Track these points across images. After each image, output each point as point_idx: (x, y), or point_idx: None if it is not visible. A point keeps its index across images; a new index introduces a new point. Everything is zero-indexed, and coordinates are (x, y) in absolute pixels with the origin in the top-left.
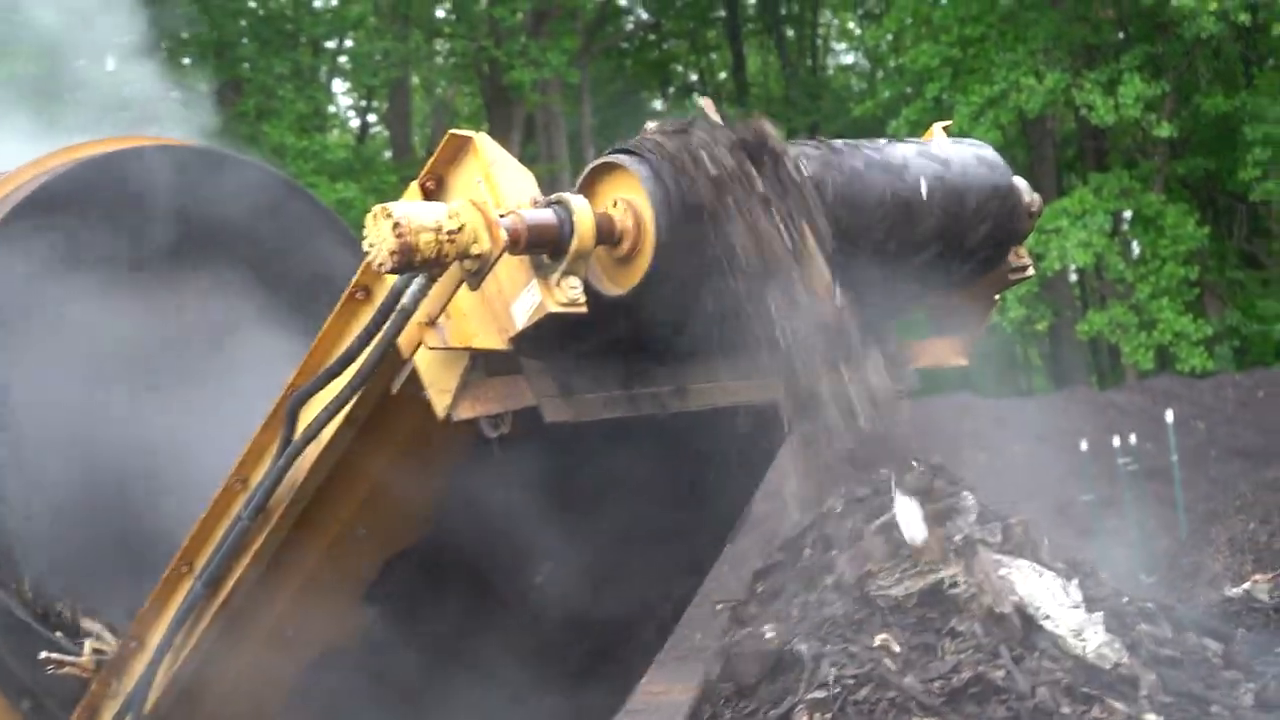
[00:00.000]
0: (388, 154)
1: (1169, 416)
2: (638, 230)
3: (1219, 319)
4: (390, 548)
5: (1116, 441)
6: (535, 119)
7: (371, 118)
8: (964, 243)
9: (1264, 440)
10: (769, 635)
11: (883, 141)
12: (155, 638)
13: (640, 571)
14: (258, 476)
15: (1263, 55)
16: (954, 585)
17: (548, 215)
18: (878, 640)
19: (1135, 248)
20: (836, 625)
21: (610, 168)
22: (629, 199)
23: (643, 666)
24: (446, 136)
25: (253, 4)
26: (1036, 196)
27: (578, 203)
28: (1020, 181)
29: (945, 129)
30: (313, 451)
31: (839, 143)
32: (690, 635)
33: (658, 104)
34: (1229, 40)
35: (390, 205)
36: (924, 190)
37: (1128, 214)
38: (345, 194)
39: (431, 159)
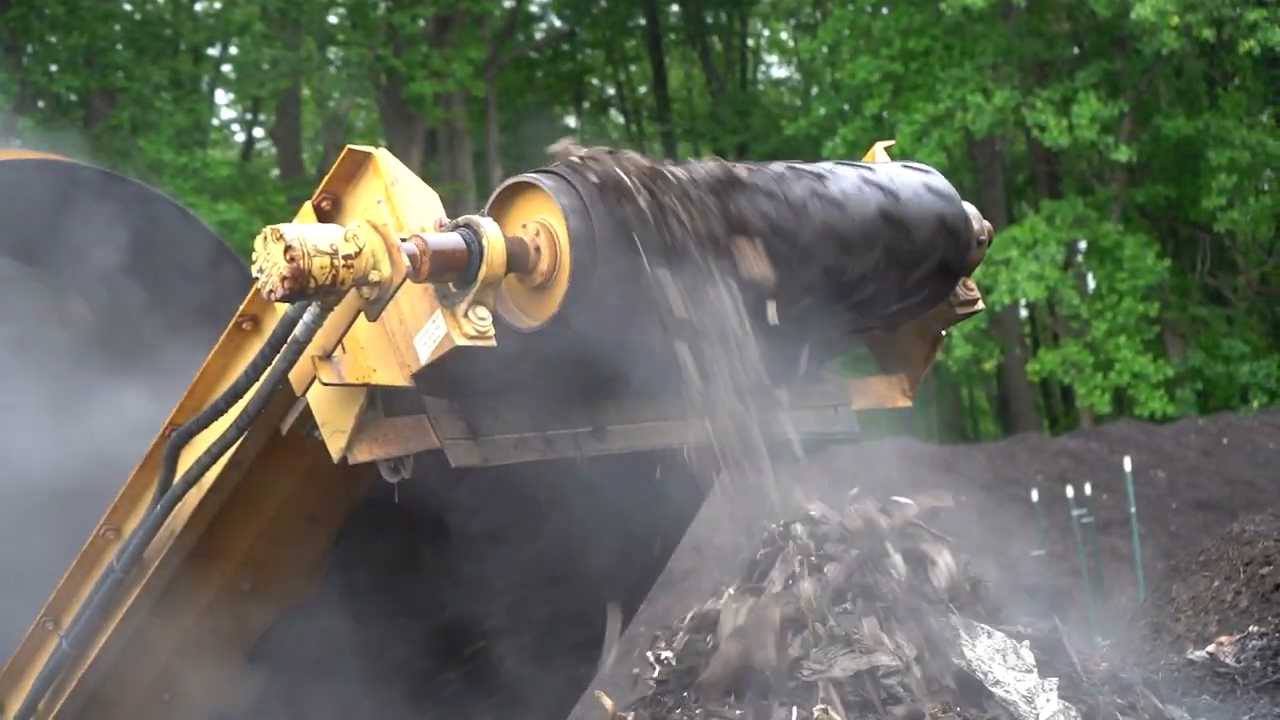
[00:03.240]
0: (275, 172)
1: (1127, 465)
2: (553, 256)
3: (1180, 359)
4: (279, 603)
5: (1070, 491)
6: (437, 135)
7: (258, 132)
8: (908, 275)
9: (1228, 491)
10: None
11: (824, 165)
12: (17, 701)
13: (550, 627)
14: (132, 525)
15: (1228, 74)
16: (891, 673)
17: (454, 239)
18: (816, 711)
19: (1091, 281)
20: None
21: (523, 188)
22: (543, 222)
23: None
24: (344, 152)
25: (128, 6)
26: (986, 224)
27: (487, 226)
28: (969, 208)
29: (887, 149)
30: (194, 497)
31: (776, 167)
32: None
33: (571, 120)
34: (1192, 58)
35: (282, 227)
36: (867, 220)
37: (1083, 244)
38: (229, 215)
39: (327, 177)
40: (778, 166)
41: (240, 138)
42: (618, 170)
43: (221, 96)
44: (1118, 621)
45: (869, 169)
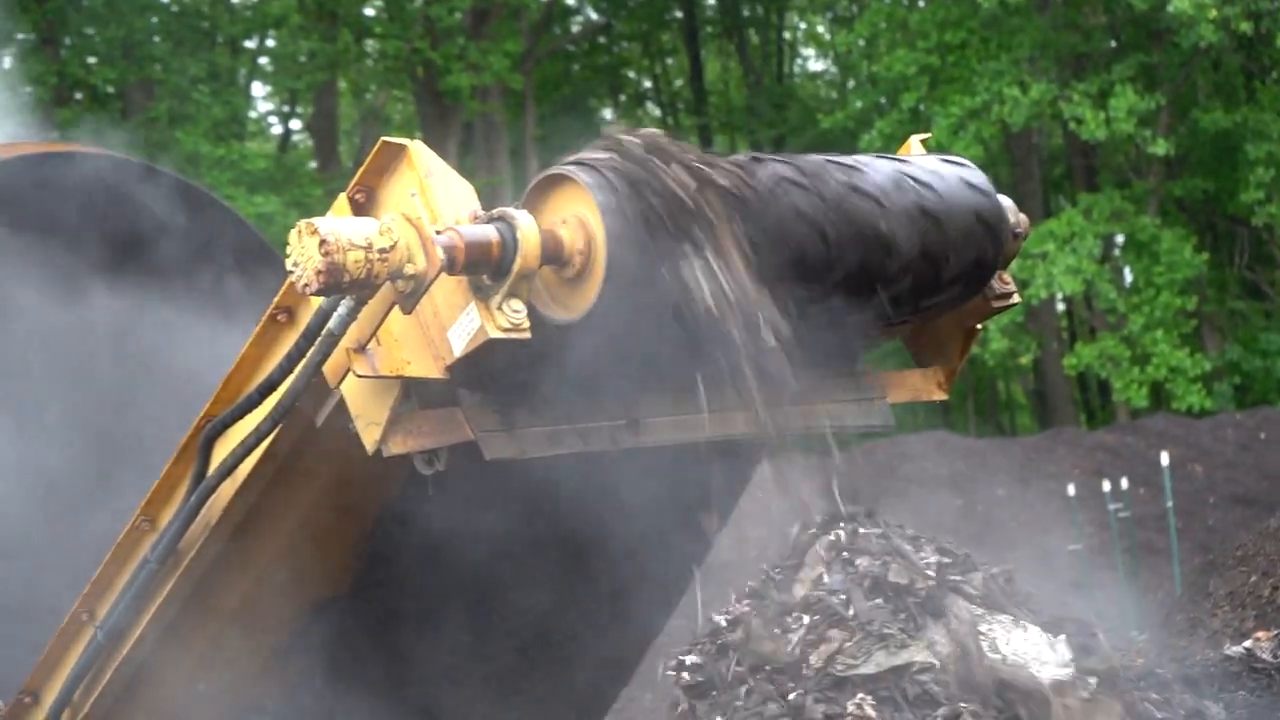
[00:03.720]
0: (312, 164)
1: (1164, 459)
2: (588, 249)
3: (1218, 353)
4: (313, 595)
5: (1107, 486)
6: (474, 128)
7: (295, 124)
8: (943, 269)
9: (1266, 486)
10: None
11: (860, 159)
12: (52, 693)
13: (588, 622)
14: (167, 516)
15: (1266, 68)
16: (924, 669)
17: (489, 232)
18: (850, 707)
19: (1128, 275)
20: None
21: (558, 180)
22: (579, 215)
23: None
24: (379, 144)
25: None
26: (1023, 217)
27: (522, 218)
28: (1006, 201)
29: (923, 142)
30: (228, 489)
31: (811, 160)
32: (640, 695)
33: (608, 112)
34: (1229, 51)
35: (316, 220)
36: (905, 217)
37: (1120, 238)
38: (265, 207)
39: (361, 169)
40: (816, 159)
41: (277, 130)
42: (653, 162)
43: (259, 89)
44: (1154, 616)
45: (907, 163)
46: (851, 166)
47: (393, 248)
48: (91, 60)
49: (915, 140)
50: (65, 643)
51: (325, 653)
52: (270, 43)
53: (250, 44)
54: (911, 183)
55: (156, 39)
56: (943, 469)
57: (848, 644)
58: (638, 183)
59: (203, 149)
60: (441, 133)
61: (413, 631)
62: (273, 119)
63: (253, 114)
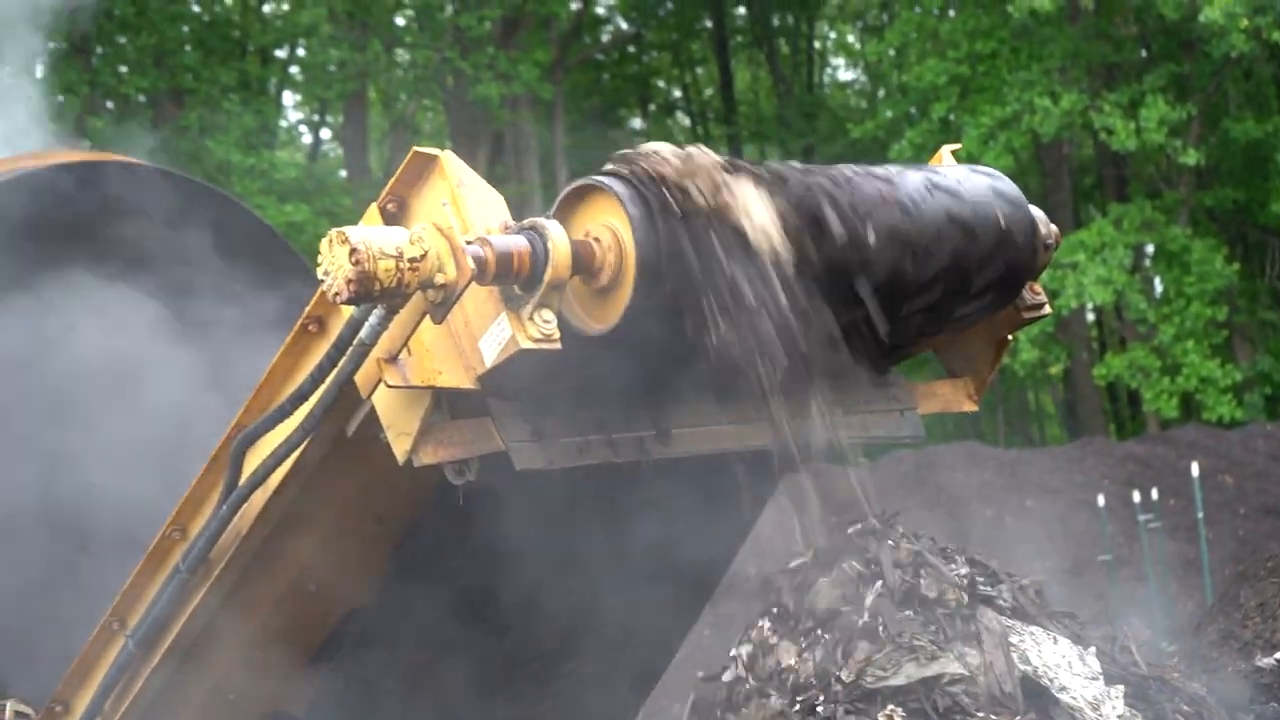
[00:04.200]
0: (342, 174)
1: (1194, 470)
2: (619, 260)
3: (1249, 364)
4: (343, 604)
5: (1137, 496)
6: (504, 137)
7: (325, 134)
8: (973, 279)
9: None
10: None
11: (891, 169)
12: (83, 702)
13: (612, 633)
14: (198, 526)
15: None
16: (955, 681)
17: (519, 242)
18: (880, 717)
19: (1158, 285)
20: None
21: (589, 190)
22: (610, 225)
23: None
24: (410, 154)
25: (196, 8)
26: (1053, 228)
27: (553, 229)
28: (1037, 212)
29: (954, 153)
30: (259, 499)
31: (842, 169)
32: (668, 706)
33: (637, 122)
34: (1261, 60)
35: (347, 230)
36: (934, 225)
37: (1150, 248)
38: (295, 216)
39: (393, 179)
40: (845, 169)
41: (307, 139)
42: (682, 171)
43: (289, 98)
44: (1185, 628)
45: (936, 172)
46: (883, 177)
47: (423, 257)
48: (123, 69)
49: (946, 150)
50: (96, 652)
51: (355, 662)
52: (300, 52)
53: (281, 53)
54: (941, 193)
55: (188, 48)
56: (972, 479)
57: (878, 656)
58: (669, 192)
59: (233, 158)
60: (471, 142)
61: (441, 641)
62: (303, 128)
63: (283, 123)
